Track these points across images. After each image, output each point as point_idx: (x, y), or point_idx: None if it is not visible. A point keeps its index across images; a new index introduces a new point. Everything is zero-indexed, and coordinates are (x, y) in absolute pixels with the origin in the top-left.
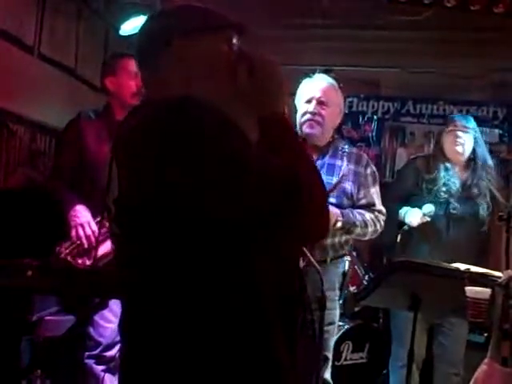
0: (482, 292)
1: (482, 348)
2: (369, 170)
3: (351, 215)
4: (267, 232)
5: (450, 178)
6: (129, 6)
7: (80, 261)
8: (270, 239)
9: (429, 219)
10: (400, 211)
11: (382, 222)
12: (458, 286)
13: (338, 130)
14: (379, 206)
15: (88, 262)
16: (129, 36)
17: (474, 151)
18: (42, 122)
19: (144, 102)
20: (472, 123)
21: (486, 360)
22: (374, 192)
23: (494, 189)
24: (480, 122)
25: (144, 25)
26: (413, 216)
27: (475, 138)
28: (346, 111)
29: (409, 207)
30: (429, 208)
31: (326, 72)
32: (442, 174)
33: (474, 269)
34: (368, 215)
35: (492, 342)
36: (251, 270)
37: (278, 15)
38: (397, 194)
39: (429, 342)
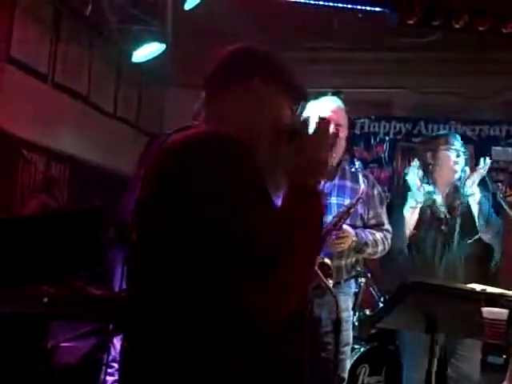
0: (500, 313)
1: (500, 370)
2: (376, 191)
3: (363, 235)
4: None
5: (435, 200)
6: (141, 33)
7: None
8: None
9: None
10: None
11: (390, 241)
12: (475, 306)
13: (349, 152)
14: (387, 225)
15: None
16: (141, 63)
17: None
18: (56, 149)
19: (192, 127)
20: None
21: (504, 383)
22: (382, 212)
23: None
24: (493, 140)
25: (229, 54)
26: None
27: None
28: (358, 132)
29: None
30: None
31: (337, 94)
32: (427, 196)
33: (491, 289)
34: (378, 235)
35: (510, 364)
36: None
37: (289, 38)
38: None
39: (443, 364)
